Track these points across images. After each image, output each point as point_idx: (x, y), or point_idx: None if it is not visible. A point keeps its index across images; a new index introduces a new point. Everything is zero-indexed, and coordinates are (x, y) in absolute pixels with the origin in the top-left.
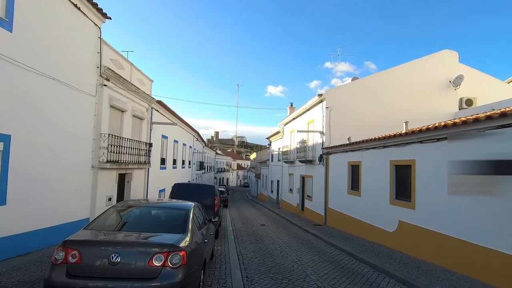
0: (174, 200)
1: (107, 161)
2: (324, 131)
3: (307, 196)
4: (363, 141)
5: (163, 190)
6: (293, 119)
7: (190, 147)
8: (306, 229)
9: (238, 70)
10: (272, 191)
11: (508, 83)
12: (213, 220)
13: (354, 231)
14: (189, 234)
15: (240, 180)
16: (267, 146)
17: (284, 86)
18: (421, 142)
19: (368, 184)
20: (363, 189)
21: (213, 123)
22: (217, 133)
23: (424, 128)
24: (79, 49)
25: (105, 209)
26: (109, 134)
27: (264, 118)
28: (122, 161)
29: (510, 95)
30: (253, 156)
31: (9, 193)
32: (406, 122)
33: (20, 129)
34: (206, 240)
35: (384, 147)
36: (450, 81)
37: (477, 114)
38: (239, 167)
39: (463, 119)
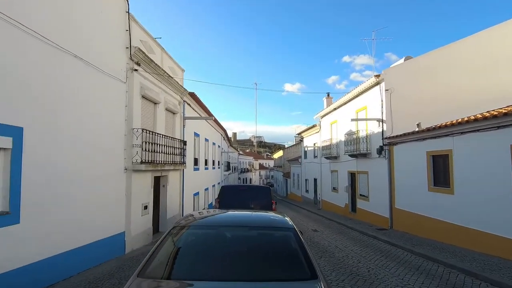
0: (252, 211)
1: (142, 162)
2: (384, 118)
3: (360, 195)
4: (456, 123)
5: (197, 193)
6: (334, 109)
7: (219, 146)
8: (373, 235)
9: (253, 70)
10: (307, 191)
11: None
12: None
13: (443, 238)
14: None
15: (263, 180)
16: (297, 142)
17: (302, 83)
18: None
19: (469, 178)
20: (458, 185)
21: (230, 124)
22: (235, 134)
23: None
24: (104, 23)
25: (166, 232)
26: (142, 129)
27: (281, 117)
28: (158, 162)
29: None
30: (278, 154)
31: (23, 207)
32: None
33: (34, 119)
34: None
35: (498, 127)
36: None
37: None
38: (261, 166)
39: None
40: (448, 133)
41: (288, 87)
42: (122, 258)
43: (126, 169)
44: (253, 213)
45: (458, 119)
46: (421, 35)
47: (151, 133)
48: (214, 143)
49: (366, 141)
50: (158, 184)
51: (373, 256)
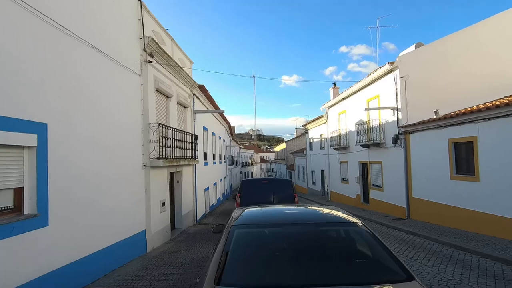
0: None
1: (159, 157)
2: (399, 107)
3: (374, 185)
4: (484, 108)
5: (207, 188)
6: (343, 99)
7: (224, 140)
8: (392, 226)
9: (250, 64)
10: (314, 183)
11: None
12: None
13: (467, 227)
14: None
15: (264, 173)
16: (299, 135)
17: (299, 75)
18: None
19: (496, 165)
20: (484, 172)
21: (228, 118)
22: (233, 128)
23: None
24: (117, 12)
25: (225, 233)
26: (159, 124)
27: (279, 110)
28: (173, 157)
29: None
30: (280, 147)
31: (51, 209)
32: None
33: (57, 115)
34: None
35: None
36: None
37: None
38: (262, 160)
39: None
40: (473, 119)
41: (285, 79)
42: (145, 257)
43: (144, 165)
44: (308, 208)
45: (483, 104)
46: (416, 24)
47: (166, 127)
48: (220, 137)
49: (379, 131)
50: (172, 180)
51: (399, 247)
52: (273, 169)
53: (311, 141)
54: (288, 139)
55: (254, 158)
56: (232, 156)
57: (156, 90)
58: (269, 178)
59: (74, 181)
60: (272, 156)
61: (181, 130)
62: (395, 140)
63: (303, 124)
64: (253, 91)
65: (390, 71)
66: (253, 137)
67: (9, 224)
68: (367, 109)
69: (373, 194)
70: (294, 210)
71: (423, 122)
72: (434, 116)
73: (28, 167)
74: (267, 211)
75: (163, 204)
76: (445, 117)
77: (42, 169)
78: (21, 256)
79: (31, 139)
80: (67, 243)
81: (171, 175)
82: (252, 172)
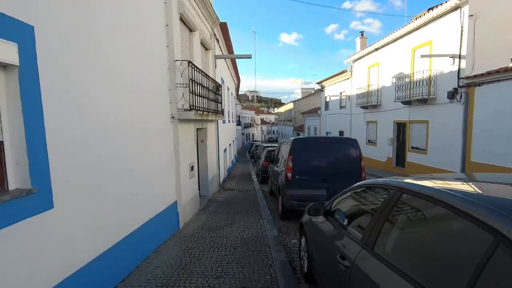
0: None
1: (190, 108)
2: (463, 53)
3: (413, 147)
4: None
5: (225, 150)
6: (376, 49)
7: (235, 97)
8: None
9: (247, 18)
10: None
11: None
12: None
13: None
14: None
15: (265, 135)
16: (305, 95)
17: (299, 33)
18: None
19: None
20: None
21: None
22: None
23: None
24: None
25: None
26: (188, 62)
27: (277, 70)
28: (203, 108)
29: None
30: (286, 108)
31: (55, 179)
32: None
33: (50, 13)
34: None
35: None
36: None
37: None
38: (263, 121)
39: None
40: None
41: (284, 37)
42: (179, 236)
43: (173, 117)
44: None
45: None
46: None
47: (195, 68)
48: (232, 93)
49: (429, 84)
50: (197, 139)
51: None
52: (274, 131)
53: (328, 99)
54: (285, 101)
55: (255, 120)
56: (238, 116)
57: (180, 17)
58: (327, 136)
59: (86, 133)
60: (272, 118)
61: (208, 76)
62: (453, 94)
63: (318, 81)
64: (254, 48)
65: (456, 8)
66: (250, 98)
67: None
68: (424, 56)
69: (411, 157)
70: None
71: (504, 70)
72: (511, 64)
73: (6, 105)
74: None
75: (192, 168)
76: None
77: (32, 109)
78: (9, 267)
79: (7, 51)
80: (84, 232)
81: (196, 132)
82: (253, 134)
